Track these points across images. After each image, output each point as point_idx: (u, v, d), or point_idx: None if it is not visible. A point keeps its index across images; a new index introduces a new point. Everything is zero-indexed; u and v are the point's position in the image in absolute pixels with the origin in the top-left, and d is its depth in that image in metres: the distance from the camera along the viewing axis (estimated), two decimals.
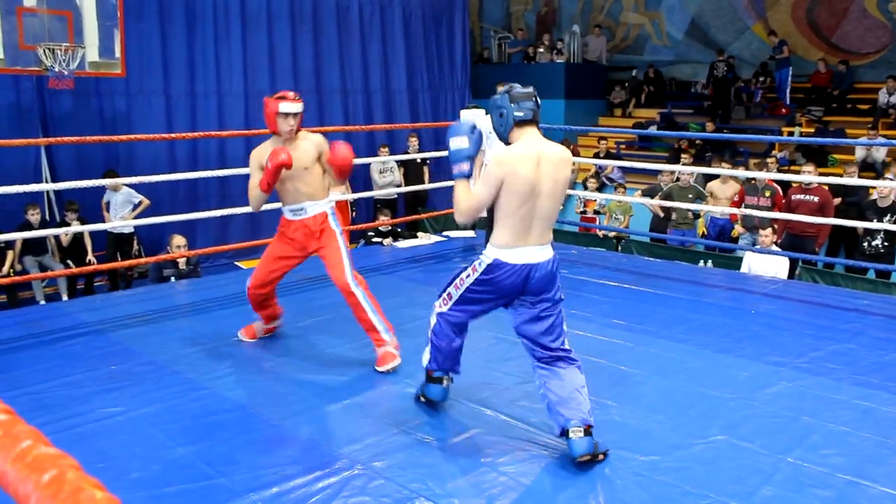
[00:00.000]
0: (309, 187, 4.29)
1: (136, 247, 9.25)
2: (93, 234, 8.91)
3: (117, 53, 8.55)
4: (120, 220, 8.49)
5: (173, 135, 7.94)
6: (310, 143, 4.30)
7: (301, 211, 4.32)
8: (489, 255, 3.17)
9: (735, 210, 7.86)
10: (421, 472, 3.01)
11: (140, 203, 8.95)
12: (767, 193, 8.08)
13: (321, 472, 3.00)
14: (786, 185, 8.41)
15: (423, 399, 3.63)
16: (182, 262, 7.19)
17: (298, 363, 4.21)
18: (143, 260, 8.00)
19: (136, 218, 8.61)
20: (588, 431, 3.04)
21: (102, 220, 8.75)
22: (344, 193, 10.56)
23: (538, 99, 3.18)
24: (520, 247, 3.11)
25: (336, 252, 4.25)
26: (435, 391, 3.57)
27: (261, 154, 4.26)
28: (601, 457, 3.09)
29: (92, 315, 5.11)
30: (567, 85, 14.81)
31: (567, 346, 3.26)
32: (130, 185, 8.85)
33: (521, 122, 3.12)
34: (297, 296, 5.65)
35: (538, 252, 3.15)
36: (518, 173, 3.03)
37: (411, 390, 3.80)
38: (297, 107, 4.22)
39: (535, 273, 3.14)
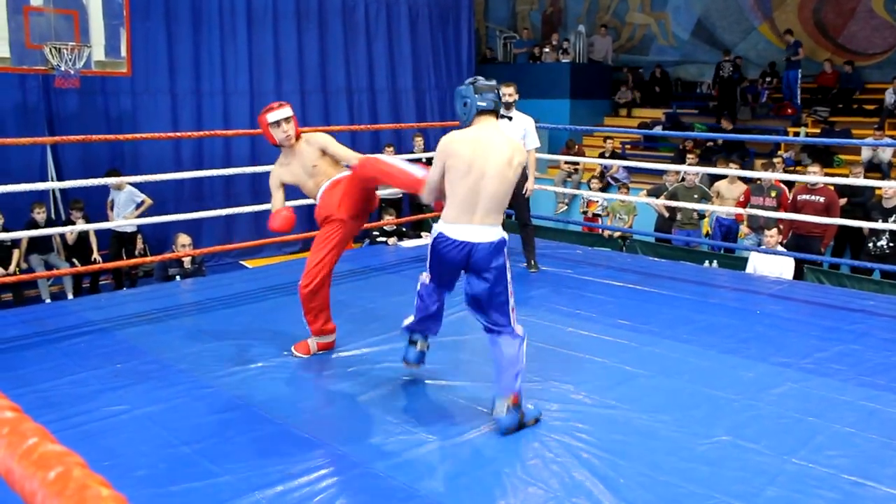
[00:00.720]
0: (324, 177, 4.40)
1: (140, 246, 9.27)
2: (98, 232, 8.93)
3: (123, 52, 8.56)
4: (123, 220, 8.51)
5: (179, 134, 7.98)
6: (309, 145, 4.41)
7: None
8: (436, 228, 3.39)
9: (741, 210, 7.84)
10: (423, 472, 3.01)
11: (143, 202, 8.96)
12: (773, 194, 8.07)
13: (325, 470, 3.00)
14: (792, 185, 8.39)
15: (404, 363, 3.91)
16: (187, 261, 7.20)
17: (302, 362, 4.22)
18: (147, 259, 8.01)
19: (139, 217, 8.62)
20: (514, 402, 3.30)
21: (107, 219, 8.77)
22: None
23: (499, 91, 3.47)
24: (462, 224, 3.31)
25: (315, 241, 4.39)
26: (411, 354, 3.88)
27: (278, 174, 4.48)
28: (532, 422, 3.39)
29: (97, 313, 5.12)
30: (572, 85, 14.81)
31: (510, 324, 3.38)
32: (136, 184, 8.86)
33: (482, 112, 3.39)
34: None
35: (481, 231, 3.30)
36: (456, 153, 3.30)
37: (415, 389, 3.81)
38: (282, 112, 4.36)
39: (475, 252, 3.30)
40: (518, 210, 6.42)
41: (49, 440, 0.95)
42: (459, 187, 3.30)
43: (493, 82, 3.46)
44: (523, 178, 6.17)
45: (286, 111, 4.38)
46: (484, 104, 3.38)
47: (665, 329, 4.79)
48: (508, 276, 3.38)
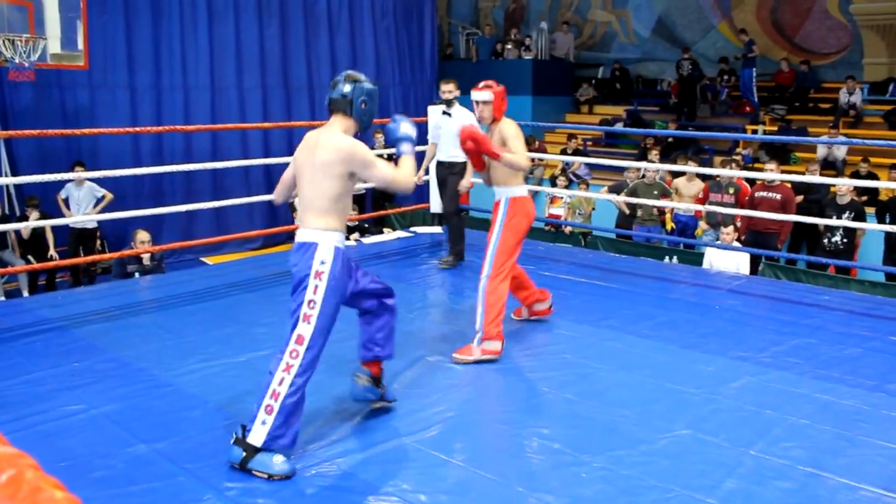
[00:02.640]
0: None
1: (98, 242, 9.12)
2: (55, 229, 8.77)
3: (80, 45, 8.43)
4: (83, 216, 8.36)
5: (138, 129, 7.81)
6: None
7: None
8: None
9: (699, 206, 7.94)
10: (387, 469, 3.01)
11: (104, 197, 8.82)
12: (731, 190, 8.19)
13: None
14: (751, 182, 8.52)
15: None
16: (146, 257, 7.10)
17: (265, 359, 4.17)
18: (105, 256, 7.89)
19: (100, 213, 8.49)
20: (238, 441, 2.96)
21: (62, 216, 8.61)
22: None
23: (339, 86, 3.20)
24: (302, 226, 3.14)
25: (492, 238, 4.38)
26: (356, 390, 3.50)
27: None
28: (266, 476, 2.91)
29: (53, 311, 5.03)
30: (535, 81, 14.87)
31: (283, 349, 3.03)
32: (94, 180, 8.72)
33: (330, 110, 3.22)
34: (264, 291, 5.61)
35: (301, 232, 3.11)
36: (294, 158, 3.23)
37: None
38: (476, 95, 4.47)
39: (293, 248, 3.13)
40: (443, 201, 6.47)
41: (0, 442, 0.93)
42: (296, 191, 3.29)
43: (340, 76, 3.27)
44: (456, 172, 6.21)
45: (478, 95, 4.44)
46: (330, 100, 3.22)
47: (626, 324, 4.84)
48: (305, 298, 3.02)
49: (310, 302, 3.01)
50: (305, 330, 3.01)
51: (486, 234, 4.42)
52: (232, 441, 2.97)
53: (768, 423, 3.44)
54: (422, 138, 4.90)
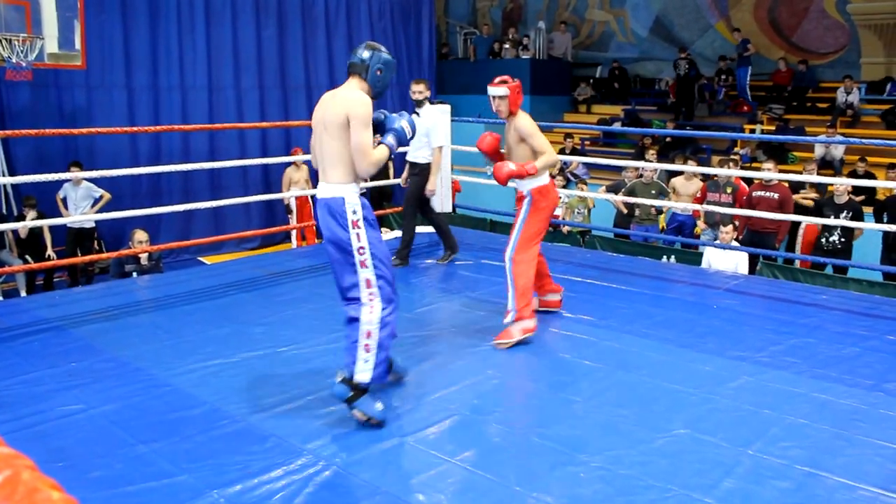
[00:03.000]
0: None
1: (96, 242, 9.11)
2: (52, 229, 8.76)
3: (77, 45, 8.42)
4: (81, 215, 8.35)
5: (135, 128, 7.75)
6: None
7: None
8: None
9: (697, 206, 7.95)
10: (385, 468, 3.01)
11: (101, 197, 8.81)
12: (729, 190, 8.19)
13: (285, 468, 2.98)
14: (751, 181, 8.52)
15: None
16: (144, 257, 7.09)
17: (262, 359, 4.18)
18: (104, 255, 7.88)
19: (97, 213, 8.48)
20: (345, 381, 3.28)
21: (60, 216, 8.60)
22: (304, 189, 10.54)
23: (358, 52, 3.46)
24: (320, 182, 3.40)
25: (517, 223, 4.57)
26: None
27: None
28: (363, 417, 3.30)
29: (51, 311, 5.02)
30: (532, 81, 14.87)
31: (358, 296, 3.31)
32: (91, 179, 8.71)
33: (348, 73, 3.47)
34: (262, 290, 5.60)
35: (322, 188, 3.36)
36: (313, 118, 3.45)
37: (376, 387, 3.81)
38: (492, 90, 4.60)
39: (317, 208, 3.38)
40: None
41: None
42: (314, 148, 3.47)
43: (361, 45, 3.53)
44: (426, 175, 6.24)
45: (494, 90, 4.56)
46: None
47: (624, 324, 4.84)
48: (353, 247, 3.29)
49: (359, 249, 3.29)
50: (368, 274, 3.30)
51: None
52: (338, 380, 3.29)
53: (766, 422, 3.44)
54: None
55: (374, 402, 3.31)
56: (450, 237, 6.52)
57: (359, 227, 3.28)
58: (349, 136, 3.26)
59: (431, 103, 6.34)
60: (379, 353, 3.30)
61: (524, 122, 4.54)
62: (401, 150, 3.85)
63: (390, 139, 3.44)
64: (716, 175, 8.44)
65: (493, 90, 4.53)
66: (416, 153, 6.20)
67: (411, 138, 3.60)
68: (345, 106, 3.27)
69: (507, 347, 4.34)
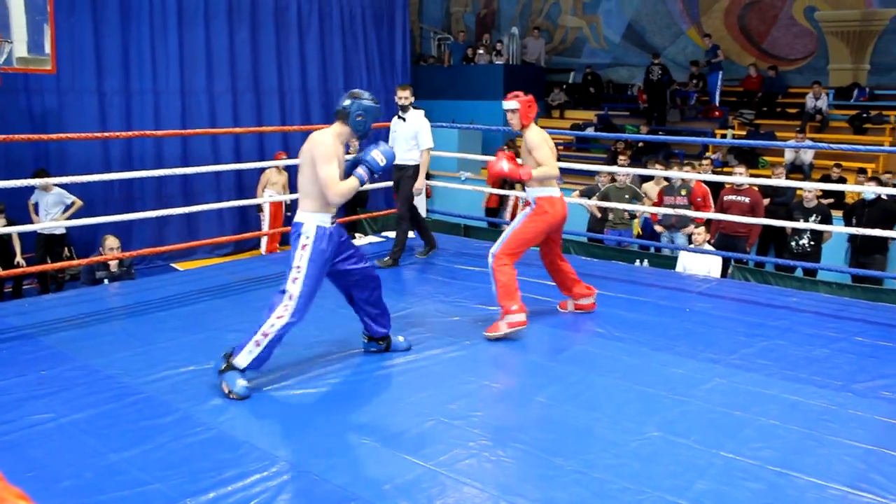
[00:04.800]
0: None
1: (67, 249, 9.00)
2: (22, 235, 8.63)
3: (47, 49, 8.28)
4: (52, 222, 8.25)
5: (107, 133, 7.70)
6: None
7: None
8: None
9: (656, 210, 8.04)
10: (359, 473, 3.01)
11: (73, 204, 8.70)
12: (683, 192, 8.28)
13: (259, 475, 2.96)
14: (717, 185, 8.61)
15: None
16: (113, 264, 7.01)
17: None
18: (73, 262, 7.77)
19: (68, 219, 8.37)
20: (226, 356, 3.77)
21: (30, 222, 8.48)
22: (281, 194, 10.50)
23: (342, 100, 3.94)
24: None
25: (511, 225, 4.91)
26: None
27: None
28: (228, 392, 3.69)
29: (21, 319, 4.95)
30: (506, 86, 14.88)
31: (280, 300, 3.80)
32: (62, 185, 8.60)
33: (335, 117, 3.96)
34: (235, 297, 5.57)
35: (296, 215, 3.92)
36: None
37: (348, 390, 3.80)
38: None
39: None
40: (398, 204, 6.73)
41: None
42: None
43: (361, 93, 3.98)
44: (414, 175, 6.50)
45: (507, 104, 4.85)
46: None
47: (597, 327, 4.87)
48: (293, 263, 3.80)
49: (297, 267, 3.79)
50: (293, 288, 3.78)
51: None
52: (223, 354, 3.77)
53: (738, 424, 3.48)
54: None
55: (238, 379, 3.70)
56: (428, 233, 6.86)
57: (304, 251, 3.79)
58: (313, 172, 3.78)
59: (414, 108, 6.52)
60: (263, 351, 3.75)
61: (532, 135, 4.80)
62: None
63: (360, 171, 3.91)
64: (668, 178, 8.52)
65: (505, 104, 4.83)
66: (404, 155, 6.42)
67: (385, 166, 3.98)
68: (311, 146, 3.82)
69: (493, 339, 4.55)
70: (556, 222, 4.85)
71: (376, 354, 4.29)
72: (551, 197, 4.81)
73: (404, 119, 6.49)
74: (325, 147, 3.77)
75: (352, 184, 3.84)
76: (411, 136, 6.44)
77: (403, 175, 6.52)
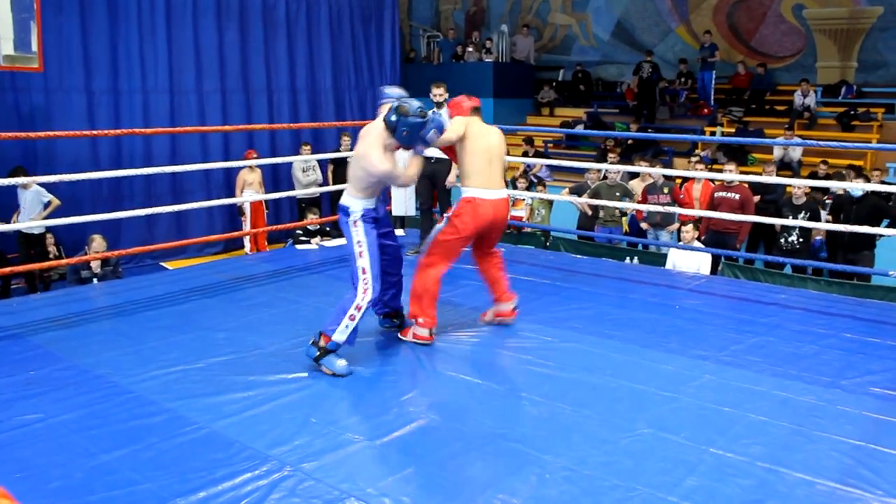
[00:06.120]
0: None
1: (52, 247, 8.95)
2: (4, 234, 8.58)
3: (34, 47, 8.27)
4: (30, 221, 8.19)
5: (95, 132, 7.63)
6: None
7: None
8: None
9: (641, 207, 8.07)
10: (350, 472, 3.00)
11: (49, 203, 8.64)
12: (665, 190, 8.31)
13: (250, 474, 2.96)
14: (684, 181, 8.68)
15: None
16: (96, 265, 6.96)
17: (227, 365, 4.14)
18: (56, 262, 7.73)
19: (48, 218, 8.31)
20: (315, 343, 4.02)
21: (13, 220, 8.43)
22: (259, 192, 10.49)
23: (391, 115, 4.04)
24: None
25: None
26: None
27: None
28: (329, 372, 3.97)
29: (8, 319, 4.92)
30: (495, 84, 14.93)
31: (357, 272, 4.08)
32: (51, 184, 8.54)
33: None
34: (224, 296, 5.55)
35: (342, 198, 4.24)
36: None
37: (339, 389, 3.80)
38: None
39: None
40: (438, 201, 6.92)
41: None
42: None
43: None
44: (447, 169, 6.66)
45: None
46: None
47: (587, 325, 4.87)
48: (353, 242, 4.10)
49: (357, 242, 4.09)
50: (363, 262, 4.07)
51: None
52: (311, 342, 4.02)
53: (728, 420, 3.49)
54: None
55: (337, 360, 3.97)
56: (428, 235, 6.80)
57: (357, 227, 4.10)
58: (361, 164, 4.09)
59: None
60: (357, 326, 3.99)
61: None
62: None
63: (420, 147, 4.17)
64: (650, 175, 8.56)
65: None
66: (437, 150, 6.45)
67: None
68: (362, 147, 4.12)
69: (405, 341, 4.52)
70: (478, 227, 4.51)
71: (365, 354, 4.28)
72: (472, 199, 4.50)
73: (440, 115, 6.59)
74: (372, 154, 4.03)
75: (416, 166, 4.25)
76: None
77: (439, 169, 6.66)
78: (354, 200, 4.14)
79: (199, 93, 11.59)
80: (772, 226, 8.15)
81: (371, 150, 4.05)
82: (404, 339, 4.53)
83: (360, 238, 4.09)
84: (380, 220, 4.25)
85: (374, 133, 4.12)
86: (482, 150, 4.55)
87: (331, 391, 3.82)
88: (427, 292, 4.46)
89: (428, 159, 6.61)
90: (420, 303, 4.45)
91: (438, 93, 6.53)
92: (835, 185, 8.26)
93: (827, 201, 8.68)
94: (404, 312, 4.64)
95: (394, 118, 4.01)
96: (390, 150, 4.14)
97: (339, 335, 3.97)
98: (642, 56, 14.56)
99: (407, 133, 4.01)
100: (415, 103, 4.05)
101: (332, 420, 3.47)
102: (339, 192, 4.30)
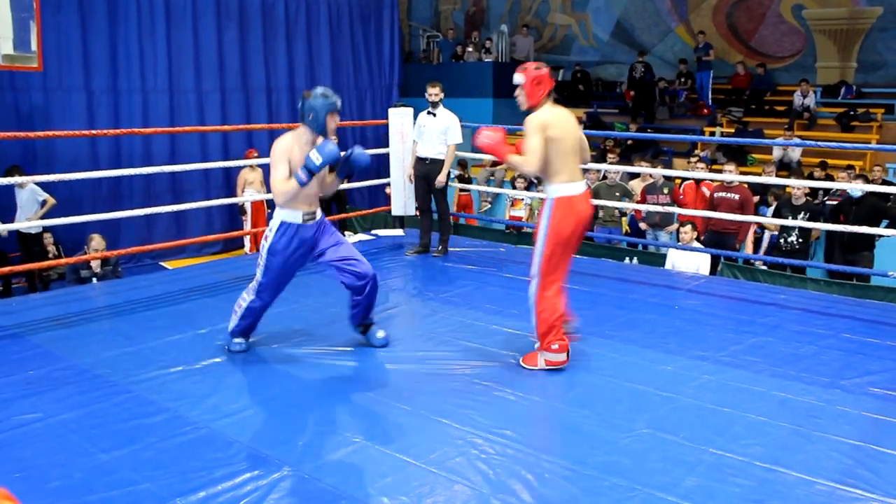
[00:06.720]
0: None
1: (51, 247, 8.95)
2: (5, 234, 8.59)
3: (34, 47, 8.26)
4: (27, 220, 8.18)
5: (94, 131, 7.62)
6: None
7: None
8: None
9: (641, 207, 8.06)
10: (349, 472, 3.00)
11: (45, 202, 8.63)
12: (665, 190, 8.31)
13: (249, 474, 2.96)
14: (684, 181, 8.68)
15: None
16: (96, 264, 6.94)
17: (225, 365, 4.14)
18: (55, 262, 7.72)
19: (47, 217, 8.30)
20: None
21: (11, 220, 8.42)
22: (260, 191, 10.49)
23: (298, 103, 4.05)
24: None
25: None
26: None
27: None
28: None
29: (8, 318, 4.92)
30: (495, 84, 14.92)
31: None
32: (50, 183, 8.53)
33: None
34: (223, 296, 5.55)
35: None
36: None
37: (338, 390, 3.80)
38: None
39: None
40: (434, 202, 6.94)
41: None
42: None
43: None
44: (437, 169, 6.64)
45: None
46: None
47: (587, 325, 4.86)
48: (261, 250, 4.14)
49: (260, 256, 4.14)
50: (258, 274, 4.15)
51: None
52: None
53: (727, 420, 3.49)
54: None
55: (233, 340, 4.32)
56: (429, 235, 6.93)
57: (265, 242, 4.09)
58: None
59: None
60: (238, 323, 4.28)
61: (529, 119, 4.13)
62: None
63: (299, 171, 3.87)
64: (651, 175, 8.56)
65: (514, 78, 4.25)
66: (439, 149, 6.59)
67: (321, 165, 3.83)
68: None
69: (530, 369, 4.11)
70: (577, 227, 4.06)
71: (364, 354, 4.28)
72: (566, 198, 4.00)
73: (434, 115, 6.60)
74: (275, 149, 3.97)
75: (291, 185, 3.88)
76: (441, 132, 6.58)
77: (434, 169, 6.65)
78: (276, 212, 4.08)
79: (198, 92, 11.59)
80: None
81: (274, 146, 3.99)
82: (530, 367, 4.10)
83: (262, 254, 4.11)
84: (311, 238, 4.13)
85: (285, 136, 4.03)
86: (567, 142, 4.10)
87: (331, 392, 3.82)
88: (559, 319, 4.03)
89: (423, 160, 6.65)
90: (554, 331, 4.03)
91: (434, 92, 6.57)
92: (835, 186, 8.26)
93: (829, 202, 8.68)
94: (368, 324, 4.45)
95: (300, 104, 4.00)
96: (296, 158, 3.90)
97: (230, 324, 4.31)
98: (638, 56, 14.56)
99: (313, 116, 3.93)
100: (319, 89, 4.02)
101: (331, 420, 3.48)
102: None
